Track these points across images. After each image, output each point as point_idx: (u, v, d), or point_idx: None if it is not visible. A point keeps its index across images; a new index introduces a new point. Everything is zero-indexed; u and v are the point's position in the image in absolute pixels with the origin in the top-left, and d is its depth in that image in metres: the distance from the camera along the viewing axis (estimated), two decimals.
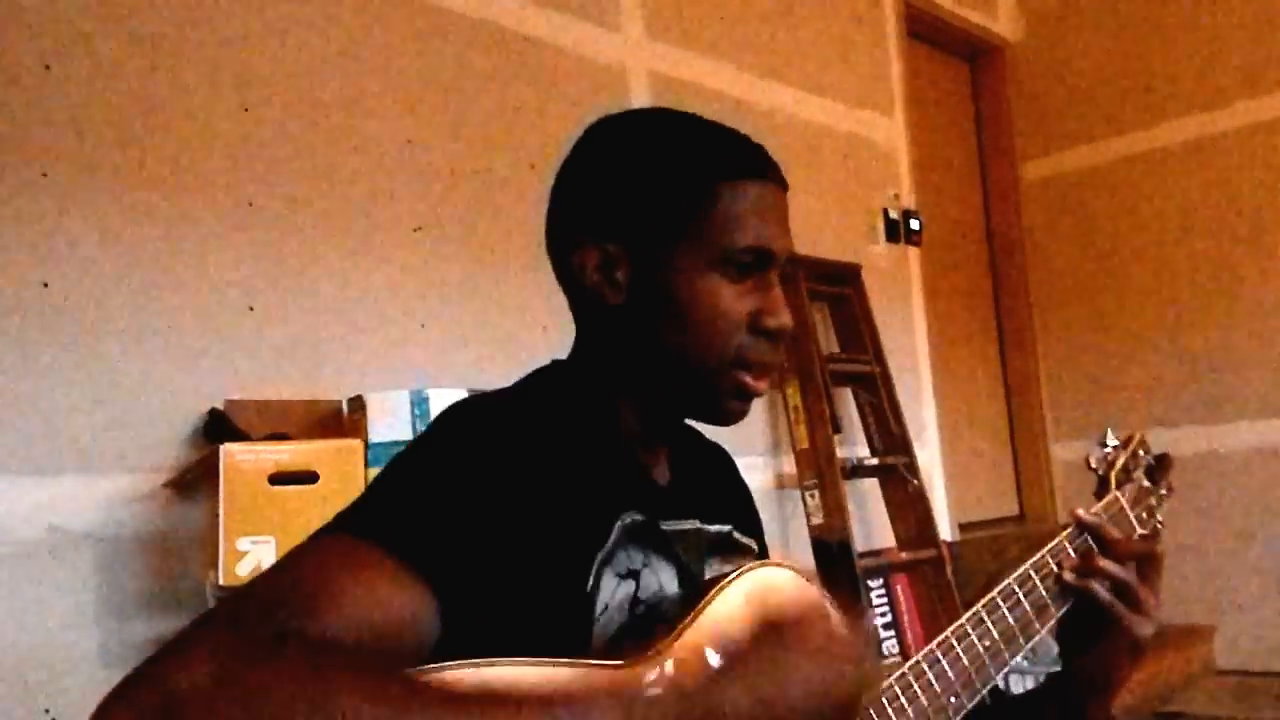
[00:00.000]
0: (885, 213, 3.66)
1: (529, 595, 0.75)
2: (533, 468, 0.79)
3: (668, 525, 0.89)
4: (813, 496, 3.01)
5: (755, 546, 1.00)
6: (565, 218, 0.92)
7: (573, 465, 0.82)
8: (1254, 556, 3.78)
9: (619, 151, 0.91)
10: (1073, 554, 1.04)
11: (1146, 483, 1.17)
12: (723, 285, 0.86)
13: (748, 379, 0.88)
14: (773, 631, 0.72)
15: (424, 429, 0.83)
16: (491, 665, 0.68)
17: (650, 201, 0.88)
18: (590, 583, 0.80)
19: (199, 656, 0.59)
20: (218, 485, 1.63)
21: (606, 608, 0.80)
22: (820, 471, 3.00)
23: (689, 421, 0.98)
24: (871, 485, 3.36)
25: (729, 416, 0.91)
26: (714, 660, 0.73)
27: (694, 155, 0.89)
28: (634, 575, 0.83)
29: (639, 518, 0.86)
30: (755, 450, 3.08)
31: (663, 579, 0.86)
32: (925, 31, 4.13)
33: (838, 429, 3.13)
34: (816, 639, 0.72)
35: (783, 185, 0.92)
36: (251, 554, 1.62)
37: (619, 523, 0.84)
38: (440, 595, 0.71)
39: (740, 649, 0.70)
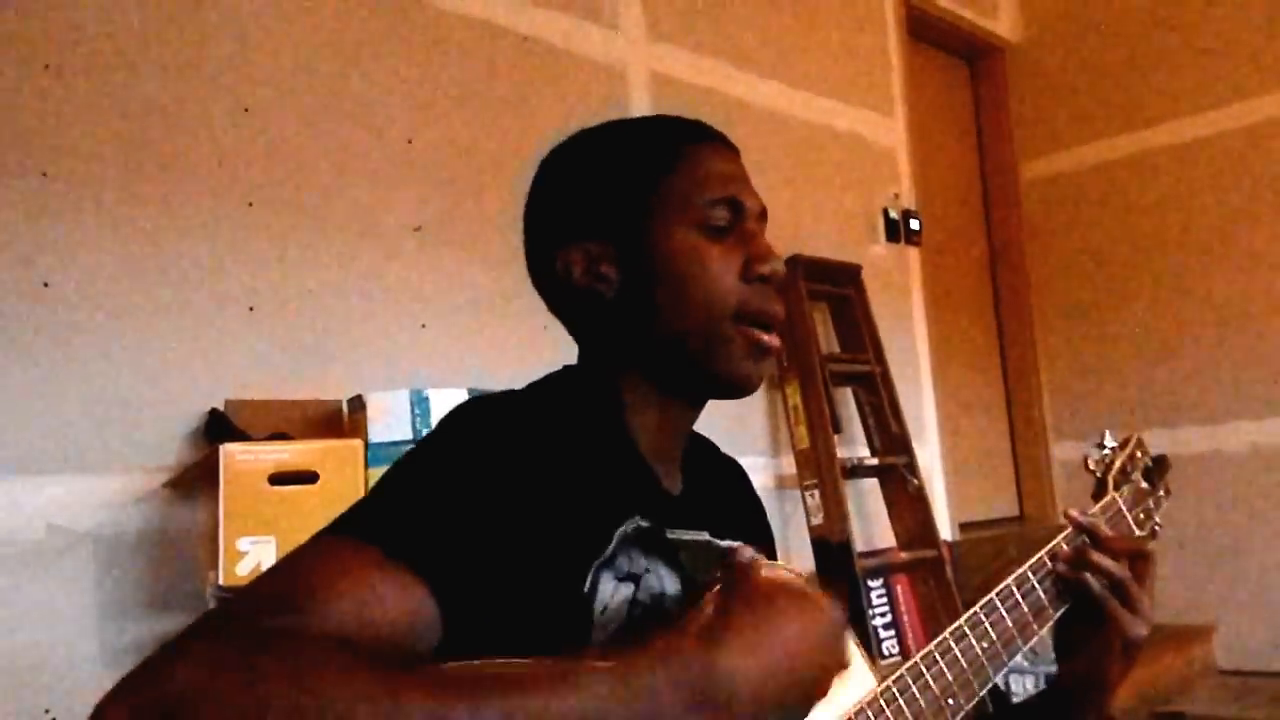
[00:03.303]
0: (885, 213, 3.66)
1: (527, 598, 0.75)
2: (536, 469, 0.78)
3: (675, 534, 0.88)
4: (813, 496, 3.01)
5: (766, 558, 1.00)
6: (539, 237, 0.93)
7: (578, 468, 0.81)
8: (1254, 556, 3.78)
9: (573, 160, 0.94)
10: (1068, 550, 1.04)
11: (1144, 484, 1.17)
12: (706, 245, 0.87)
13: (756, 333, 0.87)
14: (760, 598, 0.71)
15: (429, 429, 0.83)
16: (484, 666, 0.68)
17: (615, 190, 0.89)
18: (588, 584, 0.79)
19: (195, 658, 0.59)
20: (218, 485, 1.63)
21: (605, 609, 0.80)
22: (820, 471, 3.00)
23: (705, 432, 0.98)
24: (871, 485, 3.36)
25: (748, 380, 0.89)
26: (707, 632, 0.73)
27: (643, 137, 0.92)
28: (634, 579, 0.83)
29: (644, 524, 0.85)
30: (755, 450, 3.07)
31: (665, 584, 0.85)
32: (925, 31, 4.13)
33: (838, 429, 3.14)
34: (804, 608, 0.72)
35: (734, 149, 0.94)
36: (251, 554, 1.62)
37: (622, 527, 0.83)
38: (439, 598, 0.70)
39: (732, 616, 0.70)
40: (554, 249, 0.90)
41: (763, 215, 0.91)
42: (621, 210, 0.88)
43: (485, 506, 0.75)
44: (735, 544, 0.94)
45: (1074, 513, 1.06)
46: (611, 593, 0.80)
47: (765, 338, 0.88)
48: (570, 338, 0.96)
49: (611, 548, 0.81)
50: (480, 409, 0.83)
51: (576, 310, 0.93)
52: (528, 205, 0.95)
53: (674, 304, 0.87)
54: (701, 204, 0.87)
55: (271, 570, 0.71)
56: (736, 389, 0.90)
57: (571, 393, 0.89)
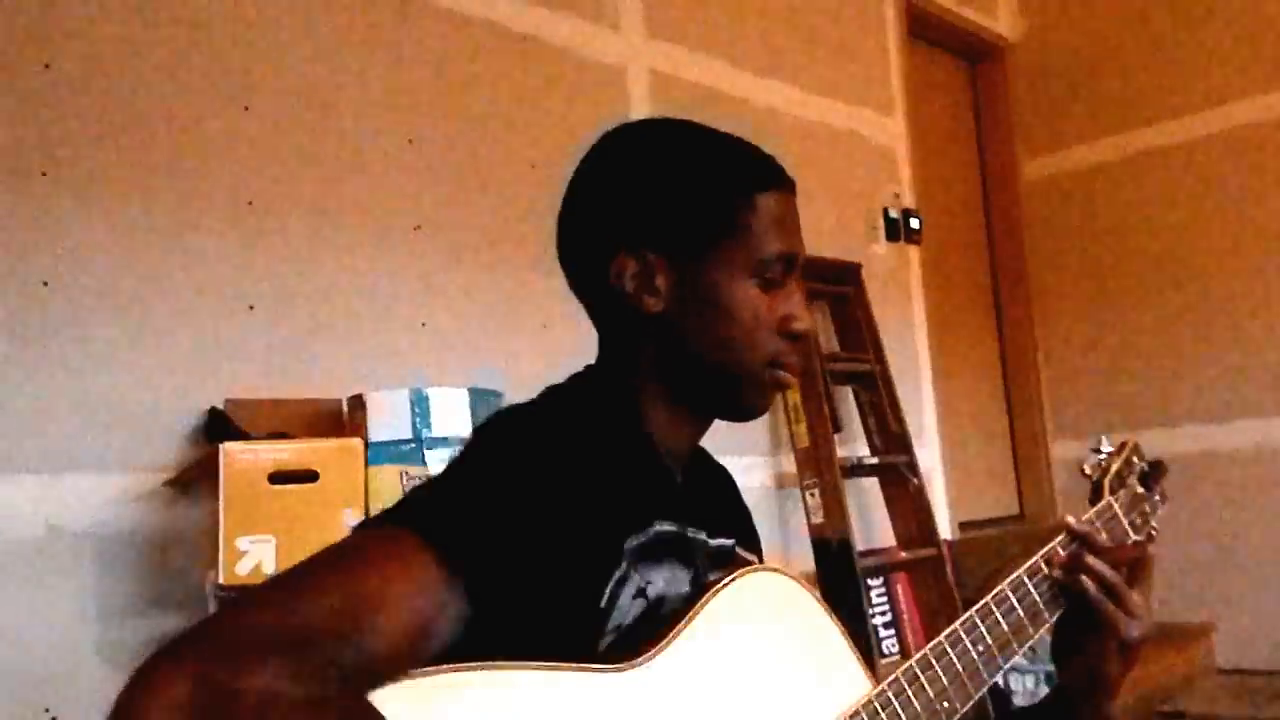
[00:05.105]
0: (885, 212, 3.66)
1: (553, 602, 0.77)
2: (569, 480, 0.80)
3: (691, 533, 0.91)
4: (813, 496, 3.01)
5: (756, 561, 1.01)
6: (597, 226, 0.93)
7: (609, 476, 0.84)
8: (1253, 556, 3.77)
9: (651, 161, 0.93)
10: (1063, 555, 1.04)
11: (1140, 489, 1.17)
12: (758, 294, 0.91)
13: (782, 376, 0.93)
14: None
15: (465, 442, 0.85)
16: (491, 668, 0.70)
17: (689, 212, 0.90)
18: (605, 599, 0.81)
19: (273, 675, 0.62)
20: (218, 485, 1.63)
21: (620, 626, 0.82)
22: (820, 471, 3.00)
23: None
24: (871, 485, 3.36)
25: (757, 413, 0.95)
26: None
27: (728, 167, 0.92)
28: (652, 583, 0.85)
29: (671, 527, 0.88)
30: (755, 450, 3.07)
31: (678, 585, 0.87)
32: (925, 31, 4.13)
33: (838, 428, 3.14)
34: None
35: (794, 190, 0.96)
36: (251, 553, 1.62)
37: (649, 532, 0.86)
38: (472, 596, 0.73)
39: None
40: (613, 249, 0.90)
41: (802, 263, 0.95)
42: (687, 237, 0.90)
43: (529, 517, 0.77)
44: (729, 542, 0.97)
45: (1070, 520, 1.07)
46: (628, 608, 0.83)
47: (786, 380, 0.93)
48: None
49: (625, 564, 0.83)
50: (513, 421, 0.86)
51: (613, 312, 0.93)
52: (584, 186, 0.94)
53: (717, 341, 0.90)
54: (764, 256, 0.90)
55: (334, 569, 0.72)
56: (747, 417, 0.96)
57: (597, 401, 0.91)
